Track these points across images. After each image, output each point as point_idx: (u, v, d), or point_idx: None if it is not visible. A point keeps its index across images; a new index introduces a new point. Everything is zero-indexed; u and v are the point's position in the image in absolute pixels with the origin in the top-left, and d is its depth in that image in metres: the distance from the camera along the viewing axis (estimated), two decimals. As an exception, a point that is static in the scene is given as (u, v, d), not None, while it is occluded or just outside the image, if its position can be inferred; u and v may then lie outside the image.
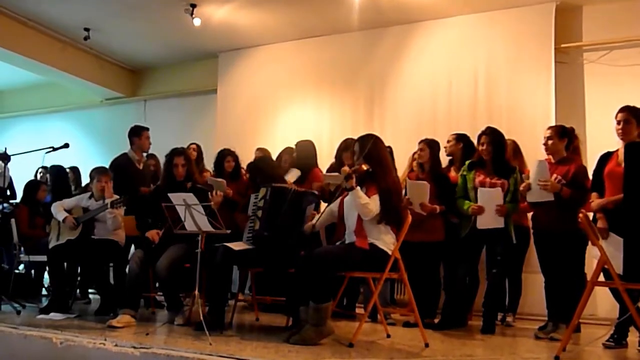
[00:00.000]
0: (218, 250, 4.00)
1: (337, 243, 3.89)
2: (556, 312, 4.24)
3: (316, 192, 4.41)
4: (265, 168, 4.52)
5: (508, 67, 6.24)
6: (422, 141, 4.90)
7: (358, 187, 3.62)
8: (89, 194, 5.10)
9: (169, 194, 4.04)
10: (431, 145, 4.84)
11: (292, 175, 5.20)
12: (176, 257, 4.20)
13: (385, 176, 3.72)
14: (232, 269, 4.25)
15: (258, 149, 6.21)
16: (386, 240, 3.69)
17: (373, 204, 3.61)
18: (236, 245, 4.07)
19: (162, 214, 4.13)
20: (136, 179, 5.59)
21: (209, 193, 4.34)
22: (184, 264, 4.30)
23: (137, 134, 5.73)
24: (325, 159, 5.84)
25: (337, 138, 5.73)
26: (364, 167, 3.66)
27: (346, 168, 3.72)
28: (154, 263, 4.20)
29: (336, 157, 5.45)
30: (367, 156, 3.71)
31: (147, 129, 5.79)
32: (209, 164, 6.09)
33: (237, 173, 5.72)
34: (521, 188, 4.29)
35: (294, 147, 5.83)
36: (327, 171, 5.42)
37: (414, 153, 5.17)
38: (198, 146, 6.21)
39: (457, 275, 4.62)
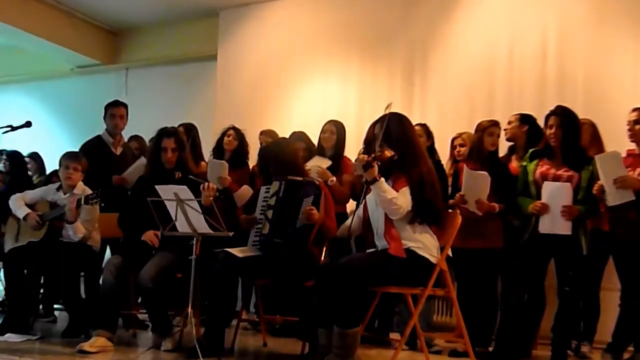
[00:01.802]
0: (218, 257, 3.98)
1: (368, 251, 3.84)
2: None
3: (317, 183, 4.34)
4: (281, 155, 4.44)
5: (587, 31, 6.13)
6: (496, 124, 4.90)
7: (382, 179, 3.56)
8: (56, 185, 5.10)
9: (156, 186, 4.03)
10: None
11: (321, 165, 5.13)
12: (165, 265, 4.18)
13: (416, 164, 3.66)
14: (236, 281, 4.24)
15: (262, 133, 6.14)
16: (426, 244, 3.63)
17: (402, 198, 3.56)
18: (240, 252, 4.05)
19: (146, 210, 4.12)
20: (111, 166, 5.62)
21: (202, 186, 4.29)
22: (175, 273, 4.30)
23: (105, 111, 5.79)
24: (352, 147, 5.75)
25: (367, 119, 5.64)
26: (388, 153, 3.60)
27: (363, 155, 3.62)
28: (137, 272, 4.18)
29: (365, 143, 5.36)
30: (391, 139, 3.67)
31: (119, 105, 5.79)
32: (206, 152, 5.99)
33: (239, 156, 5.68)
34: (594, 191, 4.22)
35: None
36: None
37: (454, 139, 5.15)
38: (191, 127, 5.91)
39: (515, 291, 4.56)
